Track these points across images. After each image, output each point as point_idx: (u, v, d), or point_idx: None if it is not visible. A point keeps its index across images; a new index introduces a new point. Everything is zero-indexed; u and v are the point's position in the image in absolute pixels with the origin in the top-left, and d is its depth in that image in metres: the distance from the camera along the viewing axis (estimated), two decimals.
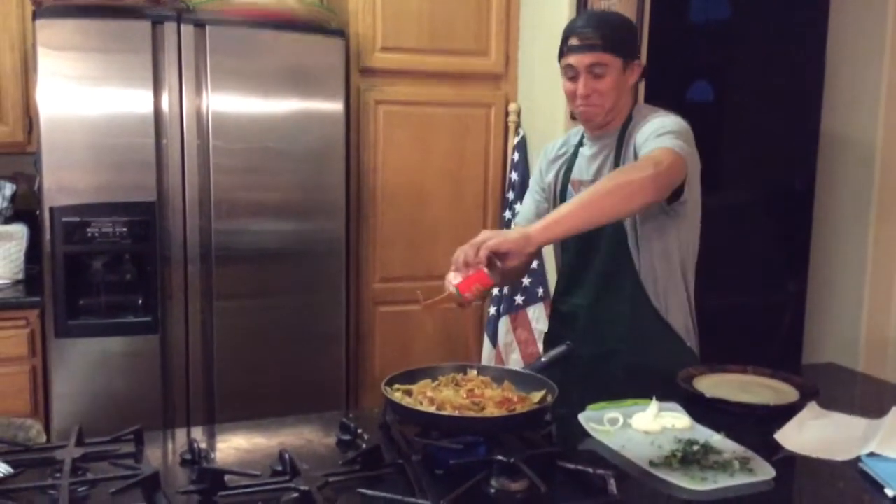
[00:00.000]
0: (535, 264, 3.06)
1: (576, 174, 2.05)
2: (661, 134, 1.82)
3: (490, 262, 1.55)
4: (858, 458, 1.49)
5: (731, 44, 5.07)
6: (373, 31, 3.00)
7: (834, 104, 3.42)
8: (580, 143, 2.08)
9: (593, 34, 1.88)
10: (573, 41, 1.90)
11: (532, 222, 2.11)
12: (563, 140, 2.15)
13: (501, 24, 3.14)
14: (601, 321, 2.00)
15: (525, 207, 2.19)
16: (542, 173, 2.14)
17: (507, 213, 3.11)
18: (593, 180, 1.97)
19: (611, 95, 1.92)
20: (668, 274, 1.99)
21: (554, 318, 2.18)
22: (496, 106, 3.18)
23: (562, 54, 1.94)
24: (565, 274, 2.11)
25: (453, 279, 1.57)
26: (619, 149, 1.96)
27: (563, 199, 2.04)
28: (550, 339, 2.17)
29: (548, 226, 1.62)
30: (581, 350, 1.90)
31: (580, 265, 2.03)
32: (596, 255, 1.99)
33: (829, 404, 1.76)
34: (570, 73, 1.92)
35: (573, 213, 1.63)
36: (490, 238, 1.57)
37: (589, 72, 1.89)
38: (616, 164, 1.95)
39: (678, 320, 2.02)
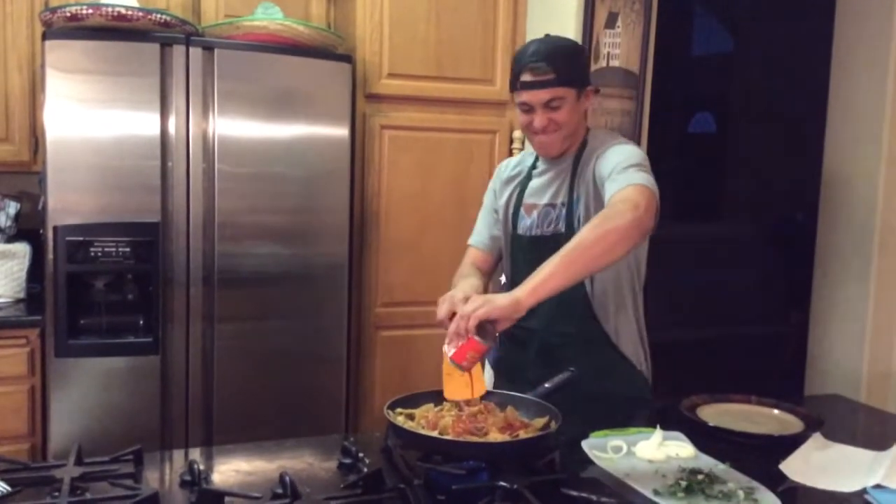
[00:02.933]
0: None
1: (529, 198, 2.03)
2: (626, 167, 1.78)
3: (481, 327, 1.51)
4: (864, 490, 1.48)
5: (734, 76, 5.12)
6: (379, 58, 3.02)
7: (836, 136, 3.44)
8: (533, 166, 2.06)
9: (546, 68, 1.85)
10: (526, 77, 1.87)
11: (487, 245, 2.13)
12: (517, 160, 2.14)
13: (507, 52, 3.16)
14: (553, 345, 1.97)
15: (479, 228, 2.16)
16: (495, 194, 2.13)
17: None
18: (548, 204, 1.98)
19: (568, 125, 1.92)
20: (619, 298, 1.99)
21: (506, 341, 2.08)
22: (500, 133, 3.20)
23: (514, 88, 1.91)
24: None
25: (448, 350, 1.54)
26: (574, 173, 1.95)
27: (514, 221, 2.04)
28: (504, 365, 2.13)
29: (535, 288, 1.54)
30: (531, 375, 1.88)
31: None
32: None
33: (834, 435, 1.75)
34: (525, 108, 1.91)
35: (559, 272, 1.57)
36: (479, 307, 1.50)
37: (546, 106, 1.88)
38: (571, 188, 1.94)
39: (629, 345, 2.01)
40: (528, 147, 2.09)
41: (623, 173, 1.77)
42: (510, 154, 3.21)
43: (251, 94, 2.68)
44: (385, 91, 3.05)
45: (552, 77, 1.85)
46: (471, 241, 2.17)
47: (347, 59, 2.84)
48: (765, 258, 4.92)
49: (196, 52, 2.60)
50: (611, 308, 1.98)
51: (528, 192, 2.04)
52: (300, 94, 2.74)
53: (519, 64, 1.90)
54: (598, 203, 1.88)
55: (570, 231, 1.91)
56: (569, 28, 2.93)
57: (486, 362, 3.11)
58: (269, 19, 2.71)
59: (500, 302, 1.52)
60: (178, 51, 2.58)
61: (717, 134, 5.28)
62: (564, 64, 1.87)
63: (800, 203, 4.52)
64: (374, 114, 3.04)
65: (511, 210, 2.06)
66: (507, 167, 2.14)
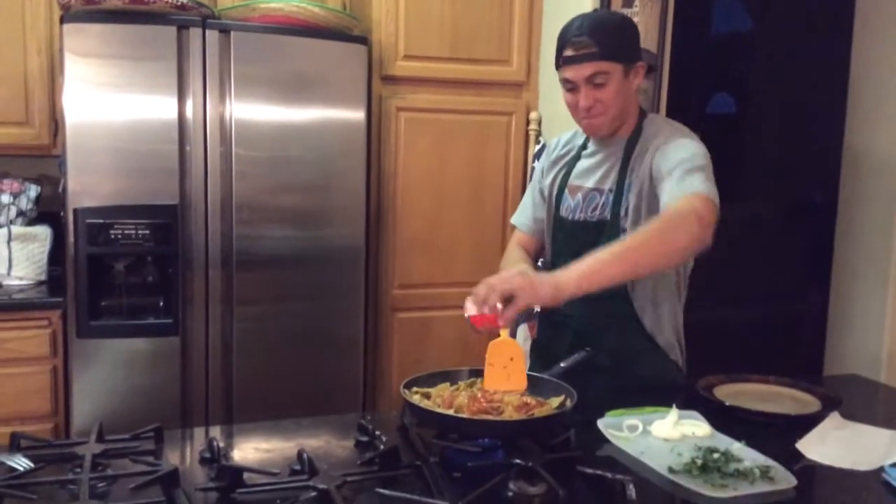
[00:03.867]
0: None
1: (575, 179, 1.96)
2: (691, 169, 1.70)
3: (506, 302, 1.48)
4: (882, 469, 1.48)
5: (754, 56, 5.06)
6: (395, 39, 3.02)
7: (857, 116, 3.40)
8: (584, 146, 1.99)
9: (589, 42, 1.76)
10: (568, 52, 1.79)
11: (529, 227, 2.08)
12: (567, 138, 2.06)
13: (523, 33, 3.15)
14: (588, 333, 1.90)
15: (524, 207, 2.12)
16: (543, 173, 2.07)
17: None
18: (594, 188, 1.91)
19: (615, 103, 1.83)
20: (663, 287, 1.93)
21: (543, 325, 2.09)
22: (517, 114, 3.19)
23: (558, 66, 1.84)
24: None
25: (469, 308, 1.53)
26: (627, 159, 1.87)
27: (558, 203, 1.98)
28: (539, 348, 2.09)
29: (581, 279, 1.49)
30: (566, 356, 1.83)
31: None
32: None
33: (852, 415, 1.74)
34: (569, 86, 1.83)
35: (609, 267, 1.52)
36: (520, 292, 1.45)
37: (589, 82, 1.79)
38: (622, 175, 1.86)
39: (664, 336, 1.95)
40: (577, 129, 2.01)
41: (688, 176, 1.69)
42: (527, 136, 3.20)
43: (267, 76, 2.68)
44: (401, 73, 3.04)
45: (595, 51, 1.76)
46: (514, 219, 2.15)
47: (363, 40, 2.84)
48: (784, 238, 4.88)
49: (212, 35, 2.61)
50: (649, 301, 1.92)
51: (575, 172, 1.97)
52: (316, 77, 2.75)
53: (562, 39, 1.82)
54: (651, 198, 1.81)
55: (616, 220, 1.85)
56: (586, 7, 2.90)
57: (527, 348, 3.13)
58: (284, 1, 2.71)
59: (544, 291, 1.48)
60: (194, 33, 2.59)
61: (737, 114, 5.23)
62: (608, 37, 1.78)
63: (820, 183, 4.47)
64: (391, 96, 3.04)
65: (556, 190, 2.00)
66: (556, 145, 2.07)
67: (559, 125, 3.10)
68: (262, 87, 2.68)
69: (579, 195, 1.94)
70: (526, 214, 2.10)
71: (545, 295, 1.48)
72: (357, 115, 2.81)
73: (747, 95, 5.20)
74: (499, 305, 1.49)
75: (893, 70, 3.21)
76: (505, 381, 1.58)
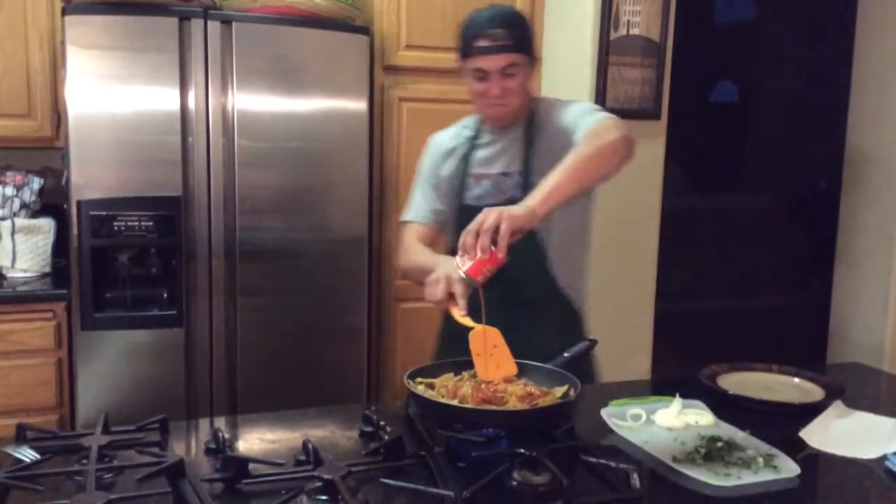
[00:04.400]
0: None
1: (478, 168, 2.01)
2: (592, 111, 1.87)
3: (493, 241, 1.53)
4: (885, 457, 1.48)
5: (756, 44, 5.04)
6: (397, 29, 3.01)
7: (860, 105, 3.39)
8: (475, 136, 2.04)
9: (504, 34, 1.85)
10: (483, 42, 1.85)
11: (429, 219, 2.05)
12: (452, 132, 2.10)
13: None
14: (510, 306, 1.84)
15: (418, 203, 2.08)
16: (434, 167, 2.08)
17: None
18: (502, 173, 1.97)
19: (521, 93, 1.92)
20: (577, 253, 2.03)
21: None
22: None
23: (468, 55, 1.89)
24: None
25: (462, 265, 1.55)
26: (530, 141, 1.96)
27: (460, 191, 2.01)
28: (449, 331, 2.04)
29: (545, 199, 1.58)
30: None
31: None
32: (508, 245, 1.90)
33: (855, 403, 1.75)
34: (480, 75, 1.88)
35: (566, 181, 1.62)
36: (501, 220, 1.51)
37: (501, 72, 1.86)
38: (528, 155, 1.94)
39: (578, 297, 2.04)
40: (465, 121, 2.08)
41: (591, 114, 1.85)
42: None
43: (269, 67, 2.68)
44: (403, 63, 3.04)
45: (510, 43, 1.85)
46: (409, 216, 2.09)
47: (365, 30, 2.83)
48: (787, 228, 4.88)
49: (214, 26, 2.61)
50: (568, 262, 2.00)
51: (475, 162, 2.02)
52: (318, 67, 2.74)
53: (473, 30, 1.88)
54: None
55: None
56: None
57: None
58: None
59: (518, 212, 1.53)
60: (196, 24, 2.59)
61: (740, 103, 5.22)
62: (520, 31, 1.89)
63: (823, 173, 4.47)
64: (393, 86, 3.04)
65: (457, 181, 2.03)
66: (443, 140, 2.10)
67: None
68: (265, 77, 2.68)
69: (486, 182, 1.99)
70: (424, 208, 2.07)
71: (523, 216, 1.53)
72: (359, 105, 2.81)
73: (750, 84, 5.19)
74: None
75: None
76: (495, 369, 1.59)
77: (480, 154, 2.02)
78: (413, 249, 2.00)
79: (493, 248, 1.50)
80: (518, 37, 1.87)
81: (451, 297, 1.63)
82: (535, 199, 1.58)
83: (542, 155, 1.92)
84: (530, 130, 1.96)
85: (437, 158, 2.08)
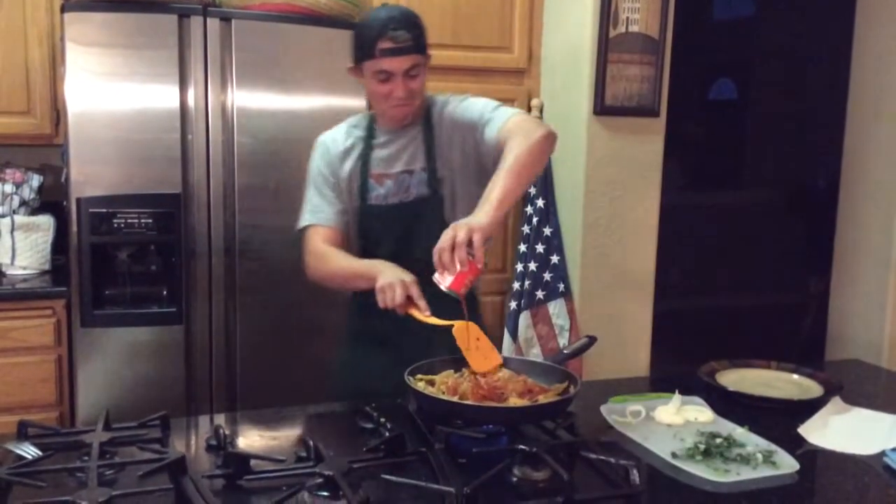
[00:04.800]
0: (556, 259, 3.06)
1: (379, 168, 1.97)
2: (495, 107, 1.89)
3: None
4: (883, 453, 1.49)
5: (755, 41, 5.05)
6: None
7: (859, 101, 3.40)
8: (371, 136, 2.00)
9: (407, 35, 1.83)
10: (387, 44, 1.82)
11: (335, 220, 1.97)
12: (342, 134, 2.03)
13: (525, 20, 3.15)
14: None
15: (319, 206, 1.99)
16: (330, 169, 2.00)
17: (529, 208, 3.11)
18: (404, 171, 1.95)
19: (422, 92, 1.93)
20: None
21: (368, 313, 1.91)
22: (518, 101, 3.18)
23: (369, 56, 1.84)
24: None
25: (443, 281, 1.57)
26: (429, 137, 1.95)
27: (362, 193, 1.97)
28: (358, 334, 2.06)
29: (501, 202, 1.64)
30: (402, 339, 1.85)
31: (401, 252, 1.89)
32: (418, 241, 1.87)
33: (853, 400, 1.76)
34: (384, 76, 1.85)
35: (513, 183, 1.67)
36: (473, 232, 1.55)
37: (406, 73, 1.85)
38: (430, 152, 1.94)
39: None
40: (353, 120, 2.04)
41: (498, 110, 1.88)
42: None
43: (269, 64, 2.68)
44: None
45: (413, 44, 1.84)
46: (312, 220, 1.99)
47: None
48: (786, 225, 4.89)
49: (213, 24, 2.61)
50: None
51: (374, 162, 1.98)
52: (317, 64, 2.74)
53: (373, 32, 1.84)
54: (462, 163, 1.92)
55: (434, 193, 1.93)
56: None
57: (506, 331, 3.14)
58: None
59: (484, 221, 1.59)
60: (195, 22, 2.59)
61: (739, 100, 5.23)
62: (420, 31, 1.88)
63: (821, 170, 4.48)
64: None
65: (357, 182, 1.98)
66: (337, 140, 2.02)
67: (560, 112, 3.10)
68: (264, 75, 2.68)
69: (389, 181, 1.96)
70: (326, 210, 1.99)
71: (490, 224, 1.60)
72: (359, 102, 2.80)
73: (749, 81, 5.19)
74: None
75: (895, 55, 3.21)
76: (484, 360, 1.62)
77: (379, 154, 1.98)
78: (332, 255, 1.94)
79: (470, 258, 1.54)
80: (418, 37, 1.86)
81: (409, 300, 1.66)
82: (491, 206, 1.63)
83: (444, 150, 1.94)
84: (429, 127, 1.96)
85: (332, 160, 2.01)
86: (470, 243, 1.55)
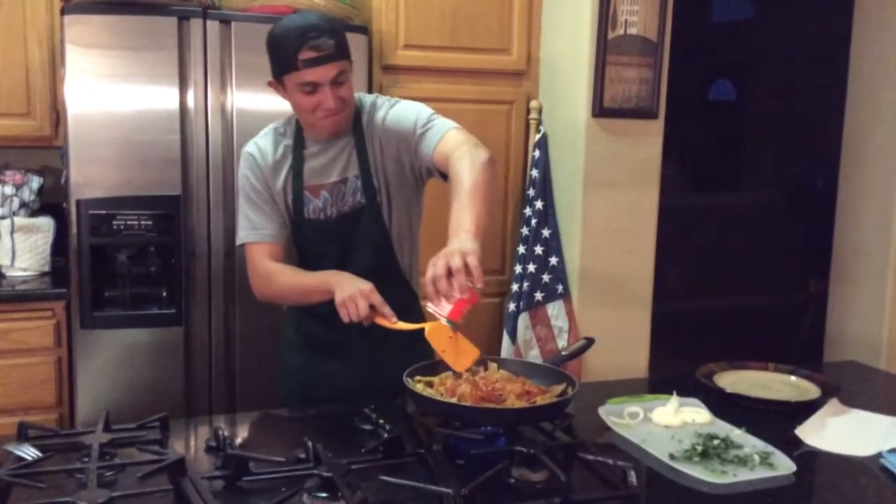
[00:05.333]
0: (554, 261, 3.07)
1: (312, 180, 1.91)
2: (429, 117, 1.86)
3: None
4: (880, 454, 1.49)
5: (754, 42, 5.05)
6: (395, 29, 3.01)
7: (857, 102, 3.40)
8: (302, 146, 1.92)
9: (329, 43, 1.75)
10: (309, 54, 1.74)
11: (278, 236, 1.93)
12: (270, 145, 1.94)
13: (523, 22, 3.15)
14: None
15: (259, 223, 1.92)
16: (263, 183, 1.92)
17: (528, 210, 3.12)
18: (338, 181, 1.89)
19: (352, 99, 1.86)
20: (411, 238, 2.00)
21: (319, 322, 1.95)
22: (517, 103, 3.19)
23: (291, 69, 1.77)
24: None
25: (441, 310, 1.54)
26: (362, 144, 1.89)
27: (298, 206, 1.91)
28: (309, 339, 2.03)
29: (477, 230, 1.61)
30: (360, 344, 1.88)
31: (343, 264, 1.87)
32: (360, 250, 1.91)
33: (851, 401, 1.76)
34: (309, 88, 1.78)
35: (479, 207, 1.65)
36: (466, 256, 1.51)
37: (333, 82, 1.78)
38: (363, 158, 1.88)
39: (415, 280, 2.01)
40: (279, 127, 1.98)
41: (431, 123, 1.85)
42: (527, 125, 3.20)
43: (268, 66, 2.67)
44: (401, 62, 3.04)
45: (335, 51, 1.76)
46: (254, 238, 1.92)
47: (363, 30, 2.84)
48: (785, 226, 4.89)
49: (213, 26, 2.61)
50: (406, 246, 1.98)
51: (307, 174, 1.91)
52: None
53: (293, 43, 1.76)
54: (395, 169, 1.89)
55: (372, 201, 1.88)
56: None
57: (505, 332, 3.14)
58: None
59: (470, 246, 1.55)
60: (195, 24, 2.60)
61: (737, 102, 5.23)
62: (341, 36, 1.80)
63: (820, 171, 4.48)
64: (391, 85, 3.04)
65: (291, 196, 1.91)
66: (266, 153, 1.93)
67: (559, 114, 3.10)
68: (264, 77, 2.65)
69: (324, 192, 1.90)
70: (268, 227, 1.92)
71: (473, 248, 1.55)
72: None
73: (747, 82, 5.19)
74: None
75: (893, 55, 3.21)
76: (461, 358, 1.61)
77: (311, 164, 1.91)
78: (280, 273, 1.90)
79: (469, 285, 1.51)
80: (341, 42, 1.78)
81: (371, 308, 1.65)
82: (469, 233, 1.59)
83: (378, 157, 1.89)
84: (360, 133, 1.89)
85: (264, 174, 1.92)
86: (467, 269, 1.50)
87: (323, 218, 1.91)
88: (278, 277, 1.90)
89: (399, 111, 1.89)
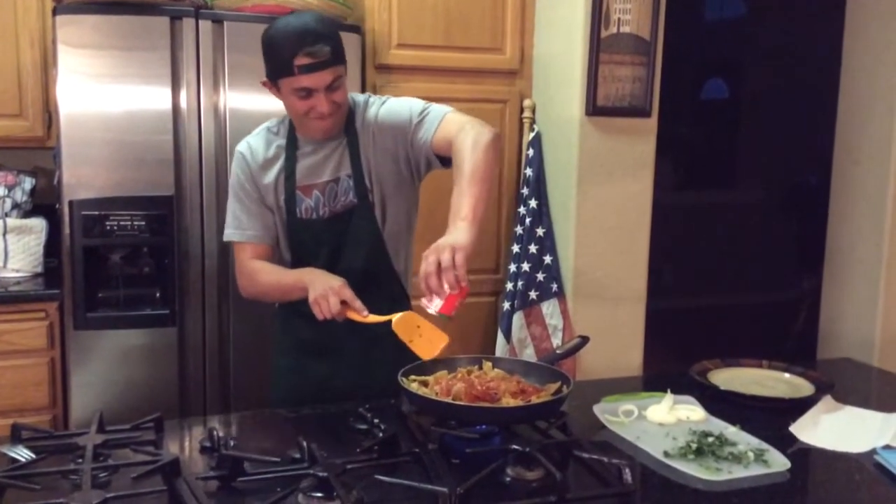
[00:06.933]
0: (549, 259, 3.07)
1: (305, 180, 1.90)
2: (424, 108, 1.86)
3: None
4: (874, 451, 1.50)
5: (747, 41, 5.07)
6: (388, 28, 3.01)
7: (850, 100, 3.41)
8: (294, 147, 1.92)
9: (325, 49, 1.74)
10: (305, 60, 1.74)
11: (264, 237, 1.93)
12: (261, 143, 1.95)
13: (517, 21, 3.15)
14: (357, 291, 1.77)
15: (246, 222, 1.93)
16: (252, 181, 1.92)
17: (522, 209, 3.12)
18: (330, 180, 1.89)
19: (346, 103, 1.86)
20: (406, 239, 2.01)
21: (307, 322, 1.84)
22: (511, 102, 3.19)
23: (287, 74, 1.77)
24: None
25: (432, 306, 1.55)
26: (355, 143, 1.89)
27: (290, 206, 1.90)
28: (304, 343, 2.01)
29: (474, 216, 1.61)
30: (351, 345, 1.89)
31: (335, 263, 1.89)
32: (352, 250, 1.90)
33: (844, 398, 1.77)
34: (304, 93, 1.78)
35: (479, 193, 1.64)
36: (455, 252, 1.53)
37: (328, 87, 1.78)
38: (355, 158, 1.88)
39: (410, 282, 2.03)
40: (272, 126, 1.98)
41: (427, 112, 1.85)
42: (521, 124, 3.20)
43: (261, 66, 2.66)
44: (395, 61, 3.04)
45: (331, 58, 1.76)
46: (239, 237, 1.94)
47: (356, 29, 2.84)
48: (778, 224, 4.91)
49: (206, 25, 2.61)
50: (399, 246, 1.98)
51: (299, 174, 1.90)
52: None
53: (288, 47, 1.75)
54: (387, 168, 1.89)
55: (364, 200, 1.88)
56: None
57: (499, 331, 3.15)
58: None
59: (463, 240, 1.56)
60: (187, 24, 2.59)
61: (730, 100, 5.25)
62: (336, 42, 1.79)
63: (812, 169, 4.50)
64: (385, 84, 3.04)
65: (284, 195, 1.91)
66: (257, 152, 1.94)
67: (553, 113, 3.11)
68: (256, 76, 2.64)
69: (316, 192, 1.90)
70: (255, 226, 1.93)
71: (470, 242, 1.56)
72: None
73: (740, 81, 5.21)
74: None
75: (886, 55, 3.23)
76: (429, 346, 1.64)
77: (304, 164, 1.91)
78: (262, 271, 1.91)
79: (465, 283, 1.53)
80: (336, 48, 1.78)
81: (343, 304, 1.66)
82: (466, 220, 1.60)
83: (370, 155, 1.89)
84: (353, 133, 1.89)
85: (253, 171, 1.93)
86: (455, 264, 1.52)
87: (315, 218, 1.91)
88: (260, 276, 1.92)
89: (392, 105, 1.91)
